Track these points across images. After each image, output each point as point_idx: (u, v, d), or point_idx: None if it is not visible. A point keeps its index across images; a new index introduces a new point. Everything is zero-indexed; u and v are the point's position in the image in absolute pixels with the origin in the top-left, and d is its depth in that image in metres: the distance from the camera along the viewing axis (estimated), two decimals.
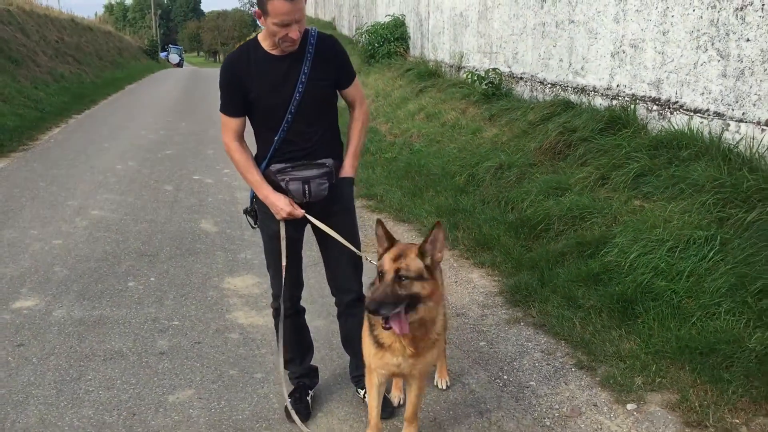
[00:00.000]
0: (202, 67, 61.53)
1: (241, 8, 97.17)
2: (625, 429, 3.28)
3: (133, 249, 5.85)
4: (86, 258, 5.59)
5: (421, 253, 2.67)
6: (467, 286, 5.06)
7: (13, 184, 8.07)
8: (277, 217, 3.15)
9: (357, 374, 3.57)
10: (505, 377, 3.80)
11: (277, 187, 3.16)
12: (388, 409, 3.39)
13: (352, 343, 3.45)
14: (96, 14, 44.78)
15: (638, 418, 3.33)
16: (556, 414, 3.44)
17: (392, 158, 8.81)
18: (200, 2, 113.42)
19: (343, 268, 3.36)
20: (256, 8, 2.98)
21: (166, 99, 19.00)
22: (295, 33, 2.92)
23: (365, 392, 3.38)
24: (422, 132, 9.57)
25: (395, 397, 3.50)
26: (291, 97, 3.07)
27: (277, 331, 3.36)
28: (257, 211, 3.34)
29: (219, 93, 3.14)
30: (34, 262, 5.47)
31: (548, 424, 3.36)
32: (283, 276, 3.25)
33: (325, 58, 3.13)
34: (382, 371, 2.93)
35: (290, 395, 3.41)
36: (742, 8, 5.17)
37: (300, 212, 3.14)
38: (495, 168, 6.98)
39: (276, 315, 3.42)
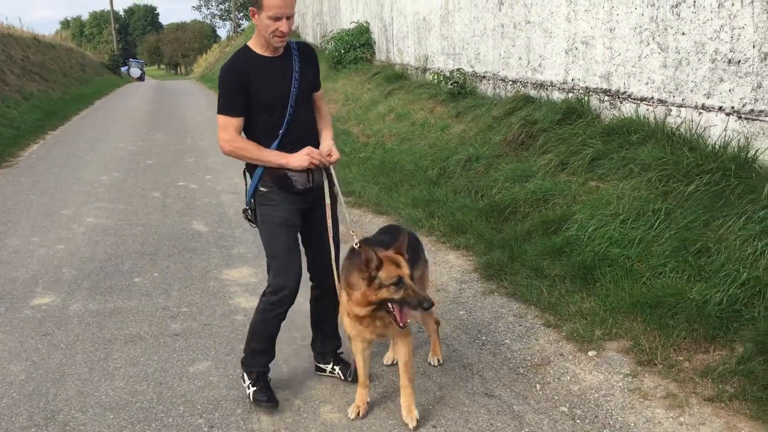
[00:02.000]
0: (164, 79, 61.45)
1: (201, 20, 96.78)
2: (587, 371, 3.83)
3: (132, 250, 6.28)
4: (90, 259, 6.01)
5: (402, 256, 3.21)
6: (445, 266, 5.58)
7: (5, 197, 8.43)
8: (305, 164, 3.40)
9: (324, 351, 3.92)
10: (483, 338, 4.34)
11: (283, 177, 3.44)
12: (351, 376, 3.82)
13: (326, 322, 3.85)
14: (57, 31, 44.57)
15: (598, 362, 3.89)
16: (529, 364, 3.98)
17: (366, 158, 9.33)
18: (158, 15, 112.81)
19: (326, 252, 3.65)
20: (251, 7, 3.35)
21: (137, 112, 19.30)
22: (285, 27, 3.30)
23: (332, 366, 3.88)
24: (393, 132, 10.12)
25: (389, 358, 4.01)
26: (289, 90, 3.45)
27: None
28: (258, 207, 3.53)
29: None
30: (42, 265, 5.88)
31: (522, 372, 3.90)
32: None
33: (308, 60, 3.59)
34: (360, 337, 3.40)
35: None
36: (677, 5, 5.79)
37: (317, 152, 3.43)
38: (464, 160, 7.55)
39: (284, 303, 3.53)
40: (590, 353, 3.98)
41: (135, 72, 56.55)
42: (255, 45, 3.47)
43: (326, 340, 3.91)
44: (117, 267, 5.82)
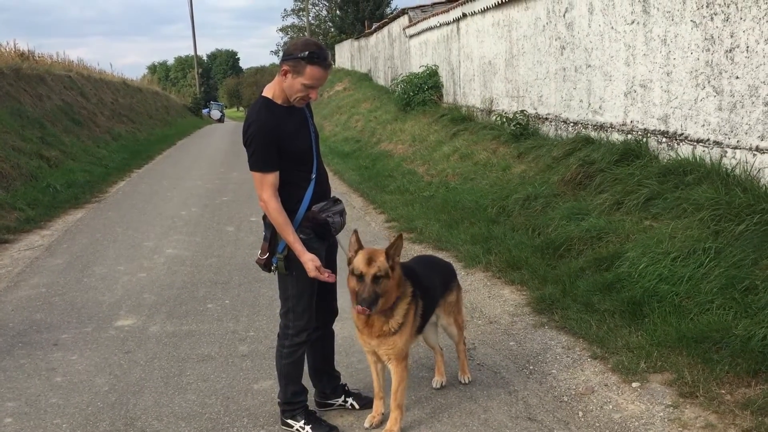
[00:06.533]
0: (242, 121, 63.75)
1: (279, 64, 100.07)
2: (629, 401, 3.97)
3: (207, 279, 6.74)
4: (169, 286, 6.50)
5: (386, 255, 3.44)
6: (499, 299, 5.79)
7: (94, 230, 9.13)
8: (310, 274, 3.50)
9: (333, 386, 4.06)
10: (531, 367, 4.52)
11: (322, 223, 3.59)
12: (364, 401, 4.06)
13: (327, 365, 4.03)
14: (144, 76, 47.29)
15: (641, 393, 4.02)
16: (573, 392, 4.14)
17: (430, 196, 9.65)
18: (239, 60, 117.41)
19: (334, 293, 3.92)
20: (286, 65, 3.40)
21: (215, 152, 20.29)
22: (315, 95, 3.47)
23: (344, 398, 4.05)
24: (457, 171, 10.42)
25: (437, 381, 4.26)
26: (311, 139, 3.64)
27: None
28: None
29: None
30: (126, 291, 6.40)
31: (566, 400, 4.07)
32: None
33: (309, 107, 3.76)
34: (367, 349, 3.69)
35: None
36: (731, 50, 5.94)
37: (325, 276, 3.53)
38: (523, 199, 7.77)
39: (307, 340, 3.82)
40: (634, 384, 4.11)
41: (215, 114, 58.87)
42: (276, 97, 3.52)
43: (332, 379, 4.07)
44: (192, 294, 6.28)
